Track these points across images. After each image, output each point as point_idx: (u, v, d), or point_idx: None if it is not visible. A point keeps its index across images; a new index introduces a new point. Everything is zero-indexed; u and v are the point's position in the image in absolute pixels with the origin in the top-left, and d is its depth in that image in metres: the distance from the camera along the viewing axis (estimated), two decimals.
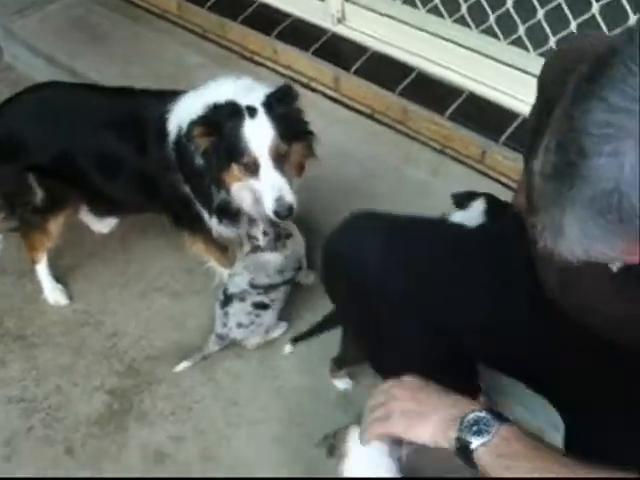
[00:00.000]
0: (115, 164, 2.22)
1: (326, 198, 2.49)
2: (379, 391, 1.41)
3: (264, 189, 2.00)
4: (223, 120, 1.97)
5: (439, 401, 1.32)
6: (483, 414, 1.25)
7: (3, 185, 2.37)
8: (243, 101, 1.99)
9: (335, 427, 1.55)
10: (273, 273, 2.26)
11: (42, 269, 2.55)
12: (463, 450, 1.24)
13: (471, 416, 1.26)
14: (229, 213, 2.17)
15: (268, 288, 2.26)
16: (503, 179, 2.45)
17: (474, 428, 1.24)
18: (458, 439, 1.25)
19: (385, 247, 1.55)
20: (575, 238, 0.92)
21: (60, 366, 2.41)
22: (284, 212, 2.00)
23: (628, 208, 0.84)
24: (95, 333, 2.48)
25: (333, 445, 1.52)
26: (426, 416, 1.30)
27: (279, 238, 2.24)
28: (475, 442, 1.23)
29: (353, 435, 1.45)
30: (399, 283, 1.54)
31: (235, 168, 2.01)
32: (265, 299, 2.26)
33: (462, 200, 1.95)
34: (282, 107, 2.00)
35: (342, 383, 2.22)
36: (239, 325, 2.25)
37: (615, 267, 1.23)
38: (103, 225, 2.75)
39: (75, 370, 2.39)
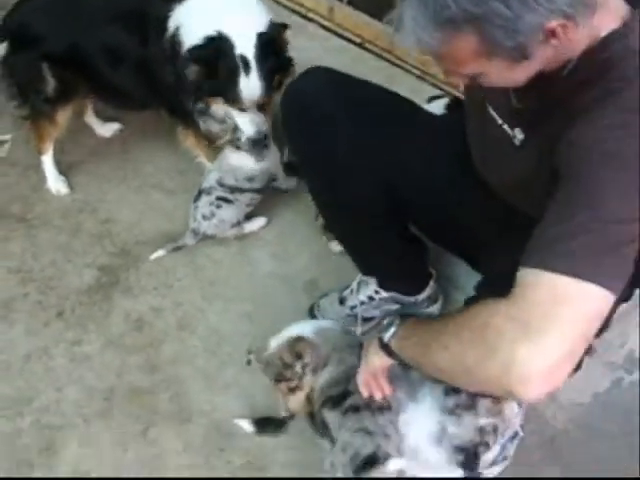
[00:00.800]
0: (120, 55, 2.41)
1: None
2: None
3: (244, 123, 2.30)
4: (218, 66, 2.20)
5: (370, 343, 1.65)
6: (391, 317, 1.60)
7: (19, 74, 2.55)
8: (239, 32, 2.19)
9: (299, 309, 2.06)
10: (241, 179, 2.46)
11: (47, 160, 2.76)
12: (385, 347, 1.57)
13: (385, 321, 1.60)
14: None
15: (234, 189, 2.47)
16: None
17: (387, 328, 1.58)
18: (380, 340, 1.58)
19: (337, 93, 1.83)
20: (409, 28, 1.24)
21: (57, 245, 2.63)
22: (260, 141, 2.33)
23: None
24: (91, 219, 2.70)
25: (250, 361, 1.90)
26: (369, 354, 1.64)
27: (258, 144, 2.42)
28: (387, 335, 1.57)
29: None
30: (349, 127, 1.81)
31: (220, 100, 2.27)
32: (229, 196, 2.47)
33: (433, 98, 2.20)
34: (272, 58, 2.23)
35: (335, 245, 2.44)
36: (203, 217, 2.47)
37: (517, 141, 1.50)
38: (106, 129, 2.97)
39: (70, 249, 2.61)
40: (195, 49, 2.19)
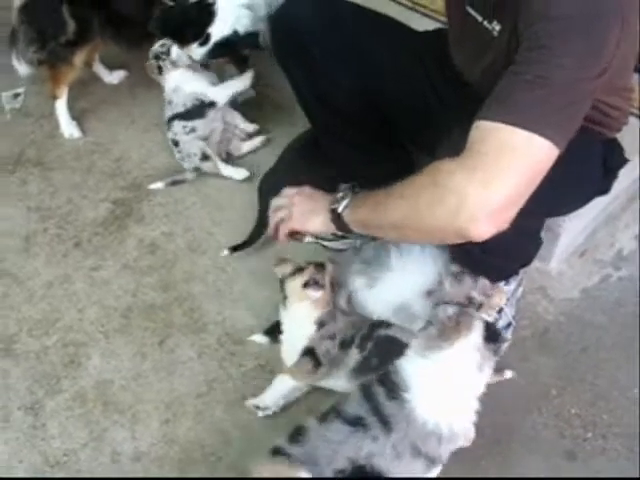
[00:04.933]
0: None
1: None
2: (282, 196, 1.83)
3: None
4: None
5: (326, 198, 1.75)
6: (346, 190, 1.71)
7: (39, 18, 2.68)
8: None
9: None
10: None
11: (61, 105, 2.91)
12: (337, 218, 1.67)
13: (339, 194, 1.70)
14: None
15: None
16: None
17: (341, 199, 1.69)
18: (332, 211, 1.68)
19: (321, 13, 1.97)
20: None
21: (72, 184, 2.78)
22: None
23: None
24: (103, 158, 2.86)
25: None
26: (317, 211, 1.75)
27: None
28: (340, 206, 1.68)
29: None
30: (331, 38, 1.96)
31: None
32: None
33: None
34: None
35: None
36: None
37: (496, 32, 1.62)
38: (113, 77, 3.12)
39: (84, 186, 2.76)
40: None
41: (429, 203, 1.45)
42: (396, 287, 2.03)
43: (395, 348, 1.75)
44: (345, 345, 1.97)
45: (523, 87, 1.38)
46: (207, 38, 2.28)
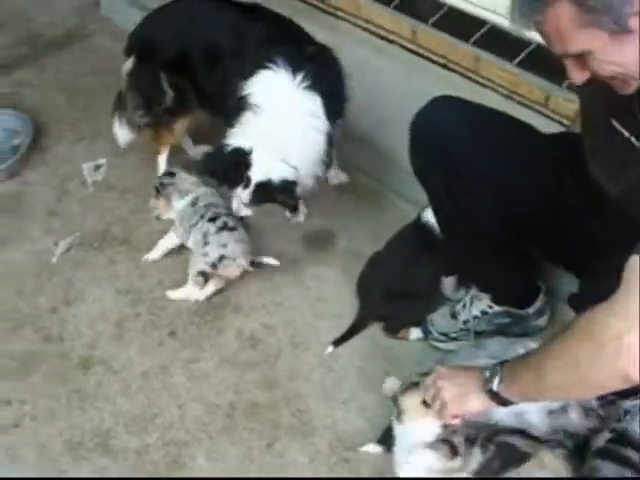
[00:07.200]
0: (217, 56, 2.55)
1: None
2: (427, 387, 1.81)
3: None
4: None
5: (472, 378, 1.71)
6: (491, 367, 1.68)
7: (142, 85, 2.74)
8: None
9: None
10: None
11: (162, 160, 2.91)
12: (495, 396, 1.65)
13: (487, 372, 1.67)
14: None
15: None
16: (565, 121, 2.71)
17: (491, 377, 1.65)
18: (488, 391, 1.65)
19: (464, 119, 1.94)
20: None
21: (161, 266, 2.72)
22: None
23: None
24: None
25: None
26: (468, 392, 1.71)
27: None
28: (494, 384, 1.64)
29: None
30: (473, 148, 1.93)
31: None
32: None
33: None
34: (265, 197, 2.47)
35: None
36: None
37: None
38: (197, 151, 3.07)
39: (175, 269, 2.69)
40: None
41: (589, 359, 1.42)
42: None
43: (515, 456, 1.74)
44: (469, 443, 1.89)
45: None
46: (248, 182, 2.36)
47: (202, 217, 2.58)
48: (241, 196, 2.40)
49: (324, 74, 2.41)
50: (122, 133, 2.89)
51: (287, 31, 2.54)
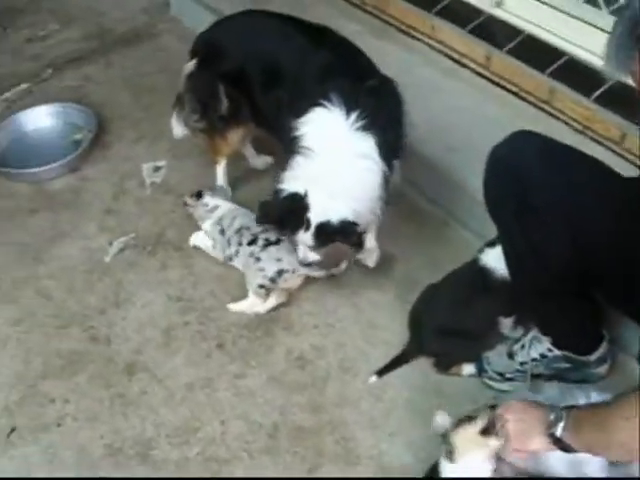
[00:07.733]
0: (275, 78, 2.49)
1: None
2: (496, 416, 1.77)
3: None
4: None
5: (538, 419, 1.68)
6: (557, 411, 1.65)
7: (200, 90, 2.70)
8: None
9: None
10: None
11: (220, 171, 2.88)
12: (558, 441, 1.63)
13: (552, 416, 1.64)
14: None
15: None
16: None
17: (556, 422, 1.64)
18: (551, 435, 1.63)
19: (543, 155, 1.89)
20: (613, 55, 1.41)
21: (215, 275, 2.68)
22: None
23: None
24: None
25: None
26: (532, 433, 1.69)
27: None
28: (558, 429, 1.62)
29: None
30: (551, 186, 1.87)
31: None
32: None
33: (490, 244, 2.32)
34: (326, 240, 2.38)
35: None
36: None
37: None
38: (259, 161, 3.04)
39: (228, 279, 2.65)
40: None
41: None
42: None
43: None
44: None
45: None
46: (308, 224, 2.30)
47: (240, 244, 2.55)
48: (304, 239, 2.33)
49: (381, 112, 2.31)
50: (178, 128, 2.87)
51: (350, 61, 2.44)
